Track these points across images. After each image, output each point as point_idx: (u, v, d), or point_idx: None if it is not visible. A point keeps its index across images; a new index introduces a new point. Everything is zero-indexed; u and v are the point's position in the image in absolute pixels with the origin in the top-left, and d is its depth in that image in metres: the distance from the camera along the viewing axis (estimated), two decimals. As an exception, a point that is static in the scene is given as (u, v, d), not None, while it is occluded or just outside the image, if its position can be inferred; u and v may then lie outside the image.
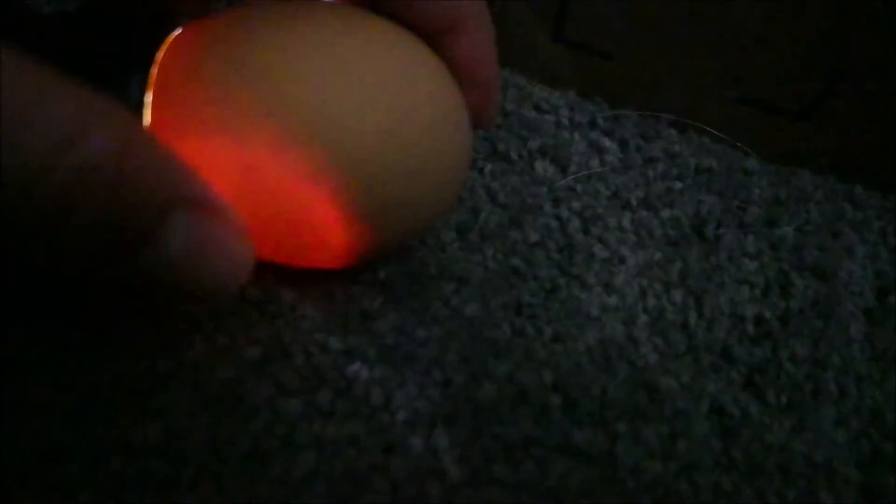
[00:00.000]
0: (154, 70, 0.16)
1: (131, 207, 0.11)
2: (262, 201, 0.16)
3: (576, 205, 0.24)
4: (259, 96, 0.15)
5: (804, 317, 0.23)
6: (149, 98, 0.16)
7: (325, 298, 0.20)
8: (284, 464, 0.17)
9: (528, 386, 0.19)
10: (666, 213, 0.24)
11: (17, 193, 0.10)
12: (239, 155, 0.16)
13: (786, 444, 0.20)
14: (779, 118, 0.27)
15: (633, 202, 0.24)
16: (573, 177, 0.24)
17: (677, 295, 0.22)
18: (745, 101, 0.26)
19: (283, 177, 0.16)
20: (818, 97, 0.26)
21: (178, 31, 0.17)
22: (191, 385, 0.18)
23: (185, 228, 0.13)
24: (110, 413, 0.17)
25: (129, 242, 0.12)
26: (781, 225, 0.25)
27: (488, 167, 0.24)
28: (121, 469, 0.16)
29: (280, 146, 0.15)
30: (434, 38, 0.18)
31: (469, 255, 0.22)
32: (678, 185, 0.25)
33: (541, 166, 0.24)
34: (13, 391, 0.17)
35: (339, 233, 0.17)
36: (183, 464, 0.16)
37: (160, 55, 0.17)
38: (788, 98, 0.26)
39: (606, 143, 0.26)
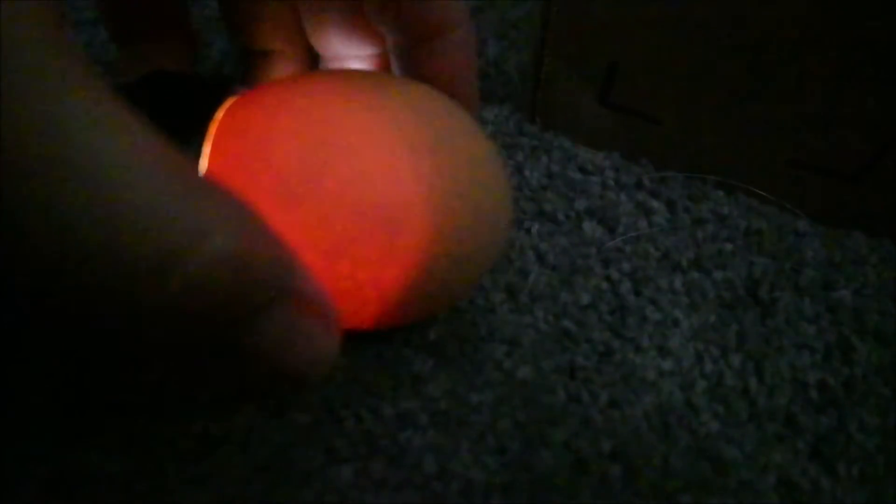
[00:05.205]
0: (212, 126, 0.17)
1: (243, 296, 0.12)
2: (309, 257, 0.16)
3: (626, 266, 0.23)
4: (300, 157, 0.16)
5: (869, 383, 0.22)
6: (206, 149, 0.17)
7: (375, 361, 0.19)
8: (337, 535, 0.16)
9: (586, 454, 0.18)
10: (718, 275, 0.24)
11: (156, 281, 0.10)
12: (289, 213, 0.16)
13: (861, 521, 0.19)
14: (829, 180, 0.26)
15: (684, 264, 0.24)
16: (622, 238, 0.24)
17: (735, 360, 0.21)
18: (796, 163, 0.26)
19: (331, 234, 0.16)
20: (871, 159, 0.25)
21: (236, 96, 0.18)
22: (241, 450, 0.17)
23: (282, 319, 0.13)
24: (161, 478, 0.17)
25: (230, 330, 0.12)
26: (838, 288, 0.24)
27: (535, 227, 0.24)
28: (170, 538, 0.16)
29: (328, 205, 0.16)
30: (422, 43, 0.19)
31: (519, 317, 0.21)
32: (729, 246, 0.25)
33: (589, 227, 0.24)
34: (62, 457, 0.17)
35: (391, 290, 0.17)
36: (233, 533, 0.16)
37: (219, 114, 0.17)
38: (840, 160, 0.26)
39: (654, 204, 0.25)
